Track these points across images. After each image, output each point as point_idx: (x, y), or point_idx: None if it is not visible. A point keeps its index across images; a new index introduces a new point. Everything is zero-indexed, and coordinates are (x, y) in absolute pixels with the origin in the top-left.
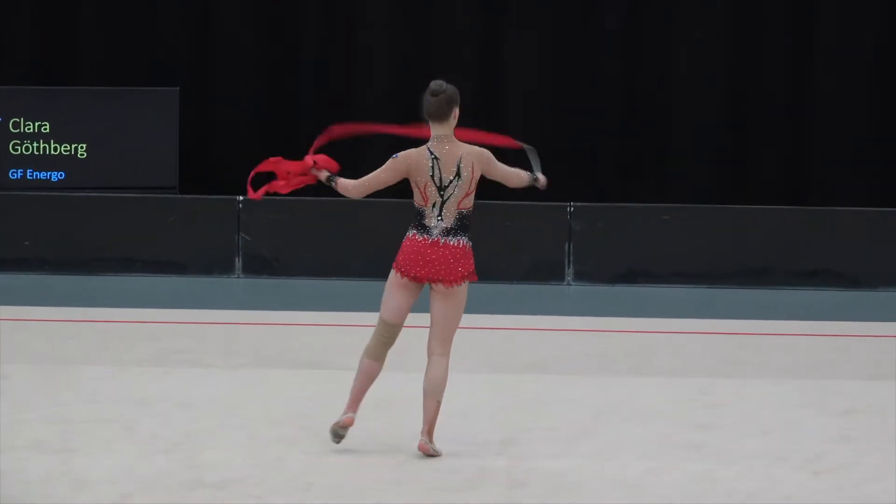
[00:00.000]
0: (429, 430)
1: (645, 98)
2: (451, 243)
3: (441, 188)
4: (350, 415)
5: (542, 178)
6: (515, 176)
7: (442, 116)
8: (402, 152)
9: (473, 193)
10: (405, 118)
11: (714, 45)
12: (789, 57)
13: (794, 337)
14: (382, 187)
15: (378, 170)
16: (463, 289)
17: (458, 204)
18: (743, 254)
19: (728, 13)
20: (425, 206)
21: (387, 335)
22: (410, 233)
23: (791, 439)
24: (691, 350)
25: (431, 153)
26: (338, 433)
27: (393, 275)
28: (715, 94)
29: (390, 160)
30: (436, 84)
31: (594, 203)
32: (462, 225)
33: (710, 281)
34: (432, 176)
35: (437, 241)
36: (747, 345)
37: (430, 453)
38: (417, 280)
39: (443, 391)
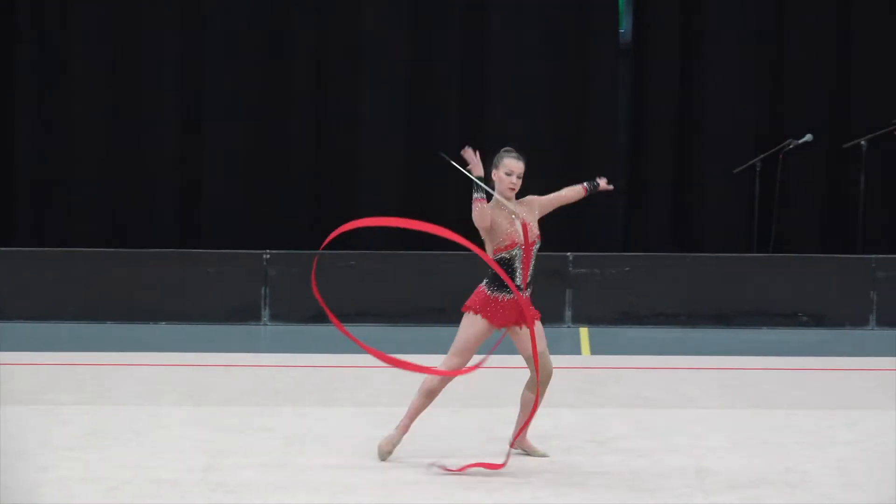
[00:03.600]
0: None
1: (333, 153)
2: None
3: None
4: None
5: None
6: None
7: None
8: None
9: (486, 245)
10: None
11: (397, 102)
12: (462, 110)
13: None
14: None
15: None
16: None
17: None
18: (424, 295)
19: (405, 69)
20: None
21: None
22: None
23: (463, 457)
24: (375, 382)
25: None
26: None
27: None
28: (392, 149)
29: None
30: None
31: (289, 251)
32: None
33: (393, 320)
34: None
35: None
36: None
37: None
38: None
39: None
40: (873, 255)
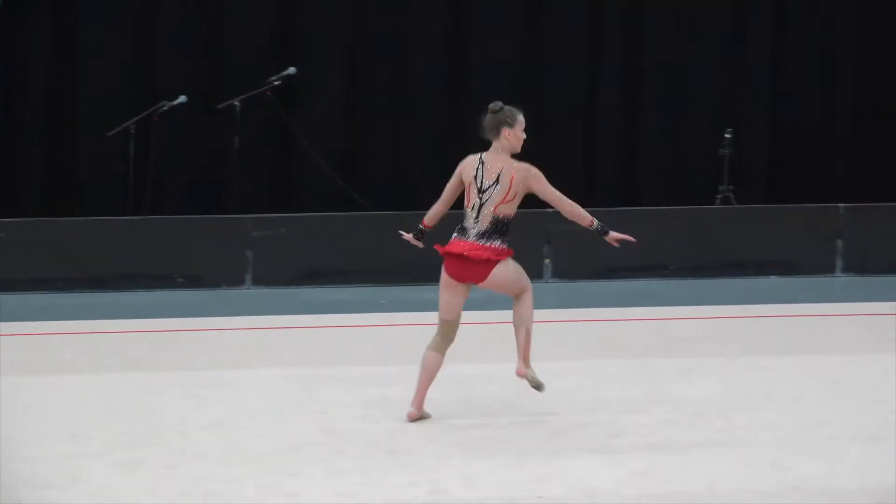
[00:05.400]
0: (522, 356)
1: None
2: (484, 245)
3: (481, 191)
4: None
5: (613, 234)
6: (569, 206)
7: (492, 132)
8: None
9: (513, 202)
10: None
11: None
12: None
13: None
14: (455, 193)
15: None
16: (500, 268)
17: (495, 208)
18: None
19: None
20: (468, 207)
21: (444, 331)
22: (453, 235)
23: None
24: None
25: (481, 159)
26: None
27: (442, 274)
28: None
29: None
30: (492, 103)
31: None
32: (497, 229)
33: None
34: (475, 177)
35: (473, 243)
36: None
37: (523, 376)
38: (456, 280)
39: (529, 320)
40: (249, 215)
